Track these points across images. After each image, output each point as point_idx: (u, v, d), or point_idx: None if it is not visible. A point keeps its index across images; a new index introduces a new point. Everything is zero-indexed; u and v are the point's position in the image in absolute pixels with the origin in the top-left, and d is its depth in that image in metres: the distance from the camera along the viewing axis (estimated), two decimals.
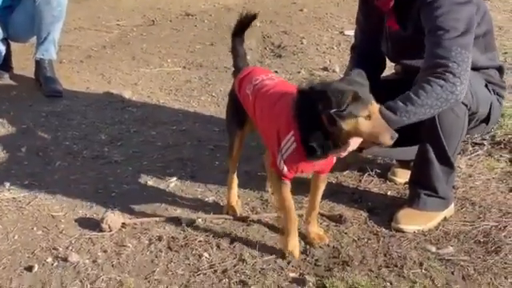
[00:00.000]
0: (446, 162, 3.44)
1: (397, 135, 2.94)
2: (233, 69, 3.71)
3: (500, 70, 3.63)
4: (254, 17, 3.61)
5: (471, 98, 3.36)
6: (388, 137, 2.92)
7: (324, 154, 3.02)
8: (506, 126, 4.38)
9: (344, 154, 3.04)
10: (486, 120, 3.59)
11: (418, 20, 3.33)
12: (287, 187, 3.20)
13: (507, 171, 4.02)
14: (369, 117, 2.90)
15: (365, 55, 3.68)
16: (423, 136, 3.41)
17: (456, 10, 3.22)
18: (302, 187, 3.37)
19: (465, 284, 3.09)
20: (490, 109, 3.55)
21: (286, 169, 3.12)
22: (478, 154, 4.19)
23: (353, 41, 3.87)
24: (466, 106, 3.34)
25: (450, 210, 3.57)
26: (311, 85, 3.02)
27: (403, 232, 3.45)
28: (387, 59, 3.77)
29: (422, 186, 3.52)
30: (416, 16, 3.34)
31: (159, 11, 7.25)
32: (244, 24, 3.63)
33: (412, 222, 3.48)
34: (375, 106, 2.94)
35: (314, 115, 2.92)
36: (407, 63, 3.58)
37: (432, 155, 3.42)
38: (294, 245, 3.26)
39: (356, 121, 2.88)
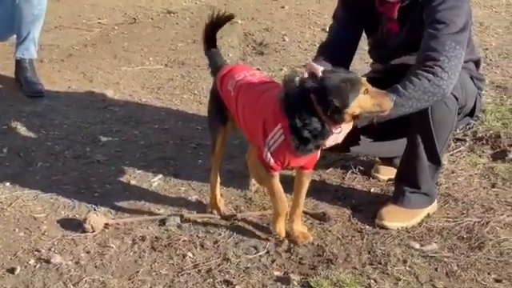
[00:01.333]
0: (434, 158, 3.46)
1: (394, 97, 3.02)
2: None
3: (477, 63, 3.64)
4: (230, 17, 3.60)
5: (461, 92, 3.38)
6: (388, 100, 3.04)
7: (316, 145, 3.05)
8: (488, 121, 4.40)
9: (340, 139, 3.07)
10: (471, 113, 3.61)
11: (416, 19, 3.34)
12: (275, 178, 3.24)
13: (489, 167, 4.04)
14: (366, 90, 2.98)
15: (338, 52, 3.60)
16: (413, 130, 3.41)
17: (458, 5, 3.26)
18: (285, 186, 3.36)
19: (448, 280, 3.10)
20: (475, 102, 3.58)
21: (272, 160, 3.13)
22: (460, 150, 4.21)
23: None
24: (457, 99, 3.36)
25: (433, 207, 3.59)
26: (300, 80, 3.03)
27: (386, 229, 3.46)
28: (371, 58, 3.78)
29: (408, 183, 3.53)
30: (417, 15, 3.34)
31: (140, 9, 7.20)
32: (216, 25, 3.64)
33: (395, 218, 3.49)
34: (364, 79, 3.04)
35: (307, 107, 2.96)
36: (397, 63, 3.57)
37: (421, 150, 3.42)
38: (281, 227, 3.33)
39: (358, 100, 2.96)
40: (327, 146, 3.14)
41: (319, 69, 3.04)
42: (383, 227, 3.48)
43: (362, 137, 3.71)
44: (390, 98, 3.05)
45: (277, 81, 3.61)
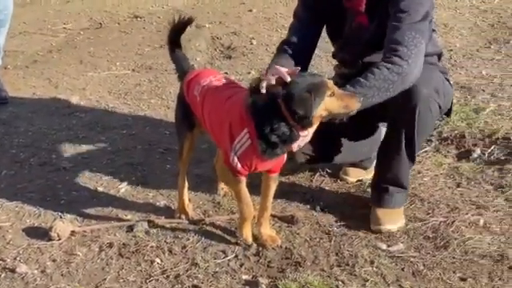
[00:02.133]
0: (411, 157, 3.51)
1: (361, 98, 3.08)
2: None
3: (440, 56, 3.68)
4: (188, 21, 3.61)
5: (443, 99, 3.45)
6: (355, 101, 3.06)
7: (284, 149, 3.07)
8: (453, 122, 4.44)
9: (307, 140, 3.10)
10: (448, 113, 3.69)
11: (384, 12, 3.37)
12: (242, 183, 3.24)
13: (454, 167, 4.09)
14: (333, 93, 3.01)
15: (298, 51, 3.57)
16: (398, 134, 3.43)
17: None
18: (253, 189, 3.37)
19: (415, 280, 3.13)
20: (452, 101, 3.68)
21: (239, 165, 3.14)
22: (426, 151, 4.24)
23: None
24: (440, 107, 3.44)
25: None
26: (267, 85, 3.03)
27: (384, 232, 3.47)
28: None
29: (393, 184, 3.56)
30: (385, 8, 3.36)
31: (107, 14, 7.16)
32: (179, 28, 3.63)
33: (391, 220, 3.51)
34: (330, 82, 3.06)
35: (275, 113, 2.98)
36: (367, 61, 3.58)
37: (404, 152, 3.46)
38: (248, 232, 3.35)
39: (324, 103, 2.99)
40: (295, 150, 3.16)
41: (285, 74, 3.04)
42: (382, 232, 3.48)
43: (342, 140, 3.76)
44: (357, 99, 3.08)
45: (243, 85, 3.62)
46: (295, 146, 3.11)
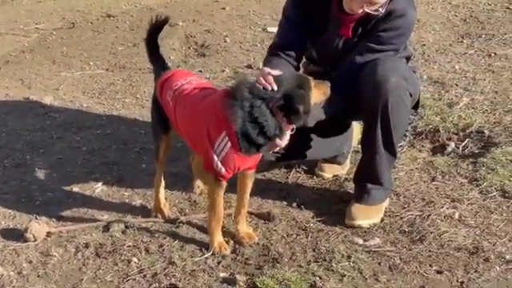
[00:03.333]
0: (391, 151, 3.53)
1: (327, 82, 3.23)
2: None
3: (408, 58, 3.72)
4: (164, 21, 3.60)
5: (413, 88, 3.49)
6: (326, 86, 3.22)
7: (268, 145, 3.10)
8: (427, 116, 4.49)
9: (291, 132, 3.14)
10: (415, 106, 3.70)
11: (367, 27, 3.44)
12: (222, 189, 3.25)
13: (429, 161, 4.13)
14: (315, 86, 3.13)
15: (289, 51, 3.59)
16: (372, 129, 3.46)
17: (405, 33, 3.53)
18: (230, 186, 3.36)
19: (391, 274, 3.15)
20: (419, 94, 3.71)
21: (223, 169, 3.13)
22: (401, 145, 4.25)
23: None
24: (411, 95, 3.47)
25: (387, 201, 3.66)
26: (252, 87, 3.05)
27: (357, 228, 3.49)
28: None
29: (371, 181, 3.58)
30: (369, 25, 3.43)
31: (79, 13, 7.10)
32: (155, 29, 3.63)
33: (366, 216, 3.53)
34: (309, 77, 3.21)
35: (261, 111, 3.00)
36: (338, 63, 3.61)
37: (381, 148, 3.49)
38: (220, 241, 3.33)
39: (313, 97, 3.12)
40: (281, 146, 3.16)
41: (270, 77, 3.06)
42: (355, 226, 3.50)
43: (312, 135, 3.76)
44: (327, 84, 3.21)
45: (214, 85, 3.62)
46: (281, 143, 3.12)
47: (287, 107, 3.02)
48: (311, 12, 3.53)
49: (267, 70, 3.11)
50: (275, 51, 3.59)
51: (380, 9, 3.32)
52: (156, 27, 3.62)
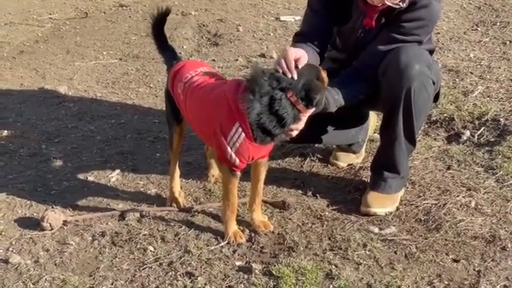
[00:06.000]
0: (411, 140, 3.52)
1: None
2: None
3: (432, 52, 3.69)
4: (166, 12, 3.60)
5: (435, 76, 3.47)
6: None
7: (284, 132, 3.11)
8: (442, 105, 4.46)
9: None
10: (435, 98, 3.68)
11: (391, 19, 3.42)
12: (237, 179, 3.25)
13: (444, 149, 4.11)
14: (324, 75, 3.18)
15: (313, 40, 3.55)
16: (395, 117, 3.44)
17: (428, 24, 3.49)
18: (244, 175, 3.37)
19: (407, 262, 3.15)
20: (440, 86, 3.70)
21: (237, 160, 3.14)
22: None
23: (291, 27, 3.83)
24: (434, 83, 3.45)
25: (403, 190, 3.65)
26: (271, 75, 3.06)
27: (373, 215, 3.49)
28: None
29: (388, 169, 3.56)
30: (392, 16, 3.41)
31: (92, 3, 7.11)
32: (159, 20, 3.63)
33: (382, 205, 3.53)
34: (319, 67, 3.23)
35: (280, 103, 3.01)
36: (358, 51, 3.60)
37: (402, 136, 3.48)
38: (235, 230, 3.32)
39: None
40: (295, 134, 3.17)
41: (293, 63, 3.07)
42: (370, 214, 3.50)
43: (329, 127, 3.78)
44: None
45: (226, 74, 3.60)
46: (298, 127, 3.12)
47: (307, 97, 3.04)
48: (335, 2, 3.52)
49: (292, 52, 3.10)
50: (299, 39, 3.58)
51: (401, 3, 3.29)
52: (159, 19, 3.62)
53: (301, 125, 3.13)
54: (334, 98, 3.32)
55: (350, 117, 3.81)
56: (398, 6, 3.31)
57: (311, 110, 3.12)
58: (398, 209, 3.54)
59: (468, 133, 4.24)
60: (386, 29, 3.44)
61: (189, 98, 3.31)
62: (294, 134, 3.16)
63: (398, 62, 3.35)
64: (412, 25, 3.39)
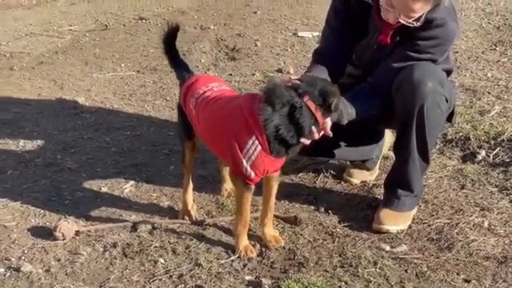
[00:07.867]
0: (425, 157, 3.52)
1: None
2: None
3: (449, 72, 3.68)
4: (176, 28, 3.63)
5: (448, 94, 3.47)
6: None
7: (301, 143, 3.14)
8: (457, 124, 4.44)
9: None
10: (449, 118, 3.67)
11: (406, 37, 3.42)
12: (250, 193, 3.26)
13: (458, 169, 4.09)
14: None
15: (333, 58, 3.60)
16: (408, 135, 3.45)
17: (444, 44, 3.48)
18: (257, 189, 3.37)
19: (418, 281, 3.13)
20: (455, 105, 3.68)
21: (253, 174, 3.15)
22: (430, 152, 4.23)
23: (309, 43, 3.85)
24: (447, 101, 3.45)
25: (415, 208, 3.64)
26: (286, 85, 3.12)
27: (385, 233, 3.48)
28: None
29: (402, 187, 3.56)
30: (407, 33, 3.41)
31: (112, 15, 7.18)
32: (170, 36, 3.65)
33: (394, 223, 3.52)
34: None
35: (300, 111, 3.06)
36: (373, 68, 3.61)
37: (416, 154, 3.48)
38: (246, 244, 3.33)
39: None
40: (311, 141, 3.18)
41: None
42: (382, 231, 3.49)
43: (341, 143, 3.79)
44: None
45: (242, 89, 3.61)
46: (315, 136, 3.14)
47: (324, 102, 3.08)
48: (352, 19, 3.53)
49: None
50: (317, 57, 3.63)
51: (415, 22, 3.29)
52: (169, 35, 3.65)
53: (316, 135, 3.13)
54: (347, 110, 3.32)
55: (366, 134, 3.82)
56: (412, 25, 3.31)
57: (328, 120, 3.13)
58: (410, 227, 3.53)
59: (483, 152, 4.21)
60: (400, 46, 3.44)
61: (201, 113, 3.33)
62: (307, 142, 3.17)
63: (411, 78, 3.35)
64: (427, 43, 3.39)
